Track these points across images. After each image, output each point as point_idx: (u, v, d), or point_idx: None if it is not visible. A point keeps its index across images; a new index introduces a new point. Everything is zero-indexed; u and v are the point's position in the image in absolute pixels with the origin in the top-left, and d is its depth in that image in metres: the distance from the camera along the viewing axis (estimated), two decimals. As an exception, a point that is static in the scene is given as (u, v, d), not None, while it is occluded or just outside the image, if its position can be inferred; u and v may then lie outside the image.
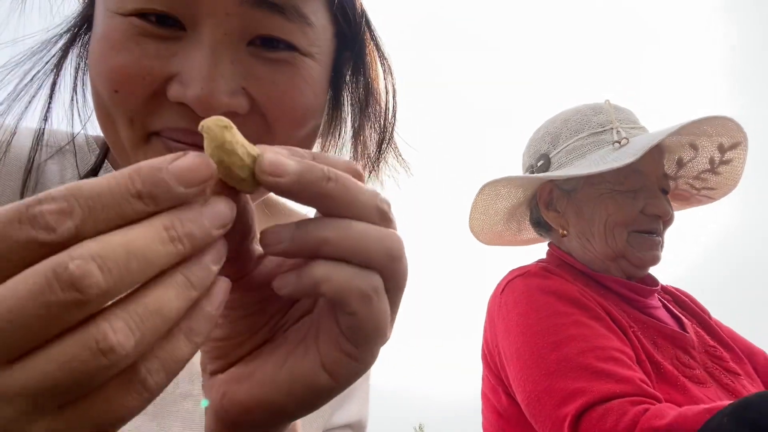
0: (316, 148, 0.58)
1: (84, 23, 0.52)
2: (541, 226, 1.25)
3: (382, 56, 0.56)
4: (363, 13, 0.52)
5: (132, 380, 0.23)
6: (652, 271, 1.17)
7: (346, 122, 0.58)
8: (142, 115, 0.43)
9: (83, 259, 0.21)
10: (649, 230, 1.10)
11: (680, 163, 1.23)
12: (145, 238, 0.22)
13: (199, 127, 0.27)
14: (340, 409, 0.62)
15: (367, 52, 0.54)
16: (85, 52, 0.52)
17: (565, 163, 1.13)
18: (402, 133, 0.59)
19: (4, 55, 0.50)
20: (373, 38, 0.54)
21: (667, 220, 1.12)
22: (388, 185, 0.60)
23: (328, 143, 0.59)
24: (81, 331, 0.21)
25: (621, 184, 1.08)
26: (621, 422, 0.81)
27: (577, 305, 1.00)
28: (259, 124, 0.45)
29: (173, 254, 0.23)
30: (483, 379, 1.16)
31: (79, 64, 0.53)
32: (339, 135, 0.59)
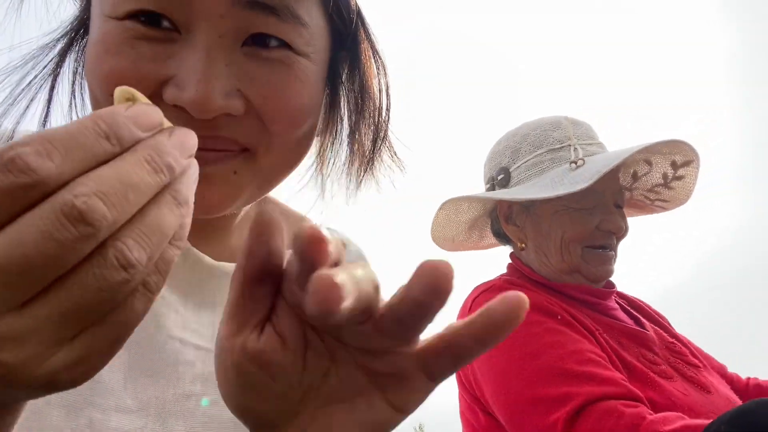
0: (314, 147, 0.58)
1: (80, 27, 0.52)
2: (501, 237, 1.28)
3: (376, 54, 0.55)
4: (358, 11, 0.52)
5: (140, 289, 0.26)
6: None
7: (342, 120, 0.58)
8: None
9: (87, 195, 0.23)
10: (602, 245, 1.13)
11: (635, 176, 1.27)
12: (135, 172, 0.25)
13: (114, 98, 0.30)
14: None
15: (361, 50, 0.54)
16: (82, 57, 0.53)
17: (524, 179, 1.16)
18: (398, 132, 0.60)
19: (1, 60, 0.51)
20: (368, 36, 0.54)
21: (620, 235, 1.16)
22: (383, 183, 0.61)
23: (326, 142, 0.59)
24: (100, 255, 0.23)
25: (577, 203, 1.11)
26: (620, 424, 0.81)
27: (546, 313, 1.02)
28: (256, 126, 0.45)
29: (159, 183, 0.26)
30: (459, 398, 1.18)
31: (76, 68, 0.53)
32: (336, 133, 0.59)
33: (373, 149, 0.58)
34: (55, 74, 0.51)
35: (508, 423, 0.96)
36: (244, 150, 0.47)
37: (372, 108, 0.57)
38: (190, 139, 0.29)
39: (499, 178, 1.22)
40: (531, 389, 0.92)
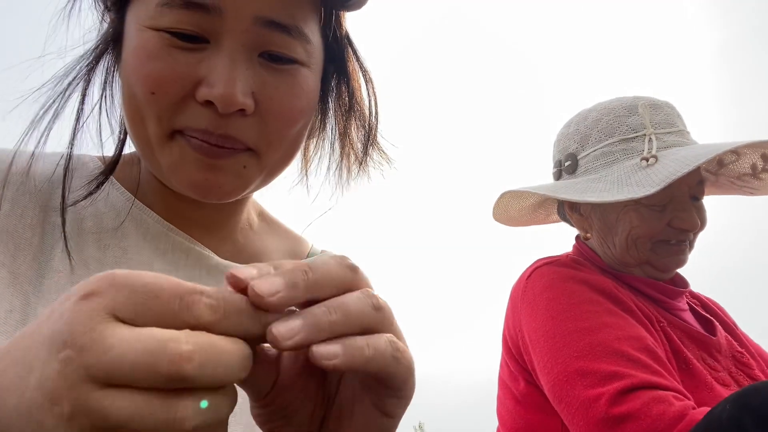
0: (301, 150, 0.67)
1: (114, 39, 0.58)
2: (568, 221, 1.24)
3: (363, 69, 0.65)
4: (347, 35, 0.63)
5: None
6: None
7: (331, 122, 0.66)
8: (171, 113, 0.52)
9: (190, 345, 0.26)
10: (675, 240, 1.08)
11: (721, 164, 1.17)
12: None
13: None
14: None
15: (349, 65, 0.63)
16: (113, 65, 0.59)
17: (591, 169, 1.10)
18: (387, 134, 0.68)
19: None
20: (355, 54, 0.64)
21: (696, 231, 1.09)
22: (375, 178, 0.69)
23: (317, 141, 0.68)
24: (170, 400, 0.26)
25: (648, 199, 1.04)
26: (668, 411, 0.80)
27: (608, 296, 1.00)
28: (257, 125, 0.54)
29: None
30: (501, 365, 1.18)
31: (106, 77, 0.59)
32: (324, 134, 0.67)
33: (365, 150, 0.66)
34: (87, 81, 0.58)
35: (551, 391, 0.95)
36: (249, 149, 0.55)
37: (362, 114, 0.65)
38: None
39: (566, 164, 1.16)
40: (581, 361, 0.91)
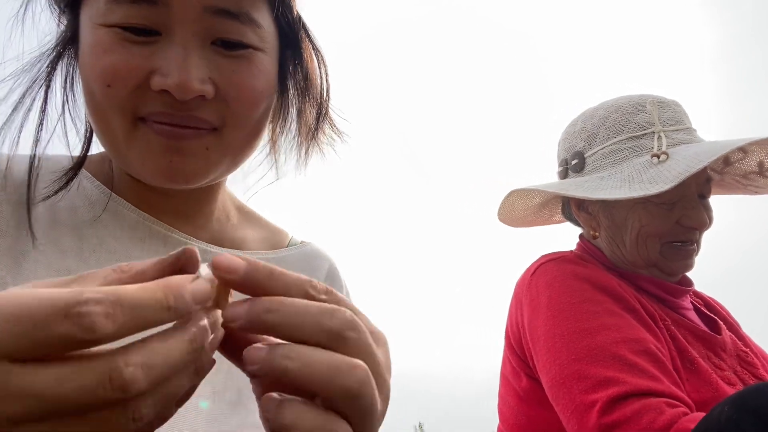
0: (268, 134, 0.70)
1: (70, 39, 0.59)
2: (573, 220, 1.23)
3: (316, 49, 0.67)
4: (299, 18, 0.64)
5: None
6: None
7: (293, 106, 0.68)
8: (131, 103, 0.53)
9: (135, 366, 0.26)
10: (683, 240, 1.07)
11: (727, 162, 1.17)
12: (179, 351, 0.29)
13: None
14: None
15: (303, 47, 0.65)
16: (73, 63, 0.61)
17: (599, 167, 1.09)
18: (338, 109, 0.71)
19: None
20: (309, 36, 0.66)
21: (703, 229, 1.09)
22: (329, 153, 0.72)
23: (278, 125, 0.70)
24: (120, 409, 0.26)
25: (657, 197, 1.04)
26: (658, 421, 0.80)
27: (610, 294, 0.99)
28: (222, 107, 0.56)
29: (192, 361, 0.30)
30: (503, 361, 1.18)
31: (66, 74, 0.61)
32: (286, 118, 0.69)
33: (317, 123, 0.69)
34: (48, 81, 0.59)
35: (549, 391, 0.96)
36: (214, 129, 0.56)
37: (314, 91, 0.67)
38: (219, 317, 0.33)
39: (572, 162, 1.16)
40: (578, 364, 0.90)
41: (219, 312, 0.33)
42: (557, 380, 0.93)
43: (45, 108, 0.59)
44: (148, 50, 0.52)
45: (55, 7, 0.60)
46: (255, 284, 0.33)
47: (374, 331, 0.37)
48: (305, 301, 0.33)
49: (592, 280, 1.01)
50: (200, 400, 0.56)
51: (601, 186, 1.04)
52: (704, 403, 0.90)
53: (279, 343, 0.32)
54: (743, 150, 1.13)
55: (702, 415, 0.78)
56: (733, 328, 1.17)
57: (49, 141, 0.60)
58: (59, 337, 0.25)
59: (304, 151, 0.70)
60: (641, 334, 0.93)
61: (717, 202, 1.18)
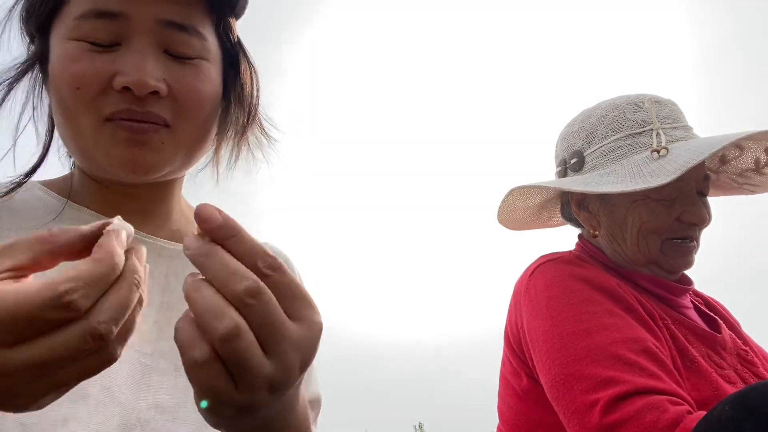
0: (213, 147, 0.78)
1: (40, 57, 0.67)
2: (572, 221, 1.23)
3: (251, 65, 0.76)
4: (238, 39, 0.75)
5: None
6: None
7: (232, 116, 0.75)
8: (97, 103, 0.61)
9: (106, 322, 0.35)
10: (683, 237, 1.07)
11: (723, 160, 1.17)
12: (129, 296, 0.38)
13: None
14: (305, 389, 0.74)
15: (241, 65, 0.74)
16: (38, 84, 0.69)
17: (599, 165, 1.09)
18: (268, 117, 0.80)
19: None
20: (245, 54, 0.76)
21: (703, 226, 1.09)
22: (257, 155, 0.80)
23: (222, 139, 0.77)
24: (102, 351, 0.36)
25: (657, 193, 1.04)
26: (662, 419, 0.79)
27: (609, 295, 0.99)
28: (173, 106, 0.64)
29: (138, 295, 0.39)
30: (503, 361, 1.17)
31: (29, 94, 0.69)
32: (227, 130, 0.76)
33: (246, 125, 0.76)
34: (10, 88, 0.68)
35: (550, 393, 0.95)
36: (167, 126, 0.64)
37: (246, 98, 0.75)
38: (142, 254, 0.41)
39: (571, 162, 1.16)
40: (578, 365, 0.90)
41: (123, 233, 0.40)
42: (557, 381, 0.93)
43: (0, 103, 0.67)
44: (110, 57, 0.61)
45: (26, 36, 0.69)
46: (220, 239, 0.40)
47: (302, 314, 0.42)
48: (225, 261, 0.39)
49: (591, 281, 1.01)
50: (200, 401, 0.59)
51: (601, 182, 1.05)
52: (704, 401, 0.90)
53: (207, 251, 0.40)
54: (739, 147, 1.13)
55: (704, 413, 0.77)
56: (733, 327, 1.17)
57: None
58: (52, 322, 0.34)
59: (235, 154, 0.79)
60: (640, 334, 0.93)
61: (718, 203, 1.19)
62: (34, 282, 0.35)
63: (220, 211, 0.40)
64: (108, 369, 0.58)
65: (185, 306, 0.65)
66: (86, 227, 0.40)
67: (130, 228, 0.42)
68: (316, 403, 0.78)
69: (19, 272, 0.37)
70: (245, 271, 0.39)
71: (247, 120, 0.76)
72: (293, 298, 0.41)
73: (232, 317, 0.37)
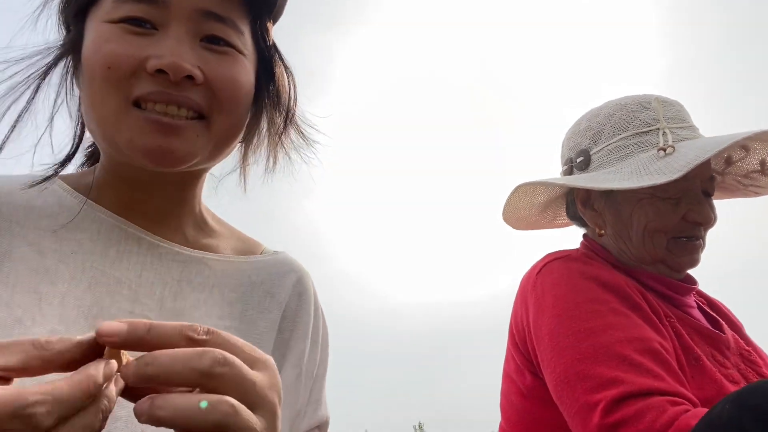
0: (240, 153, 0.78)
1: (71, 45, 0.66)
2: (577, 220, 1.24)
3: (287, 68, 0.76)
4: (274, 44, 0.74)
5: None
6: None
7: (264, 118, 0.75)
8: (128, 84, 0.60)
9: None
10: (689, 235, 1.08)
11: (729, 161, 1.18)
12: (95, 424, 0.36)
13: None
14: (314, 413, 0.74)
15: (276, 69, 0.74)
16: (71, 67, 0.68)
17: (605, 163, 1.10)
18: (306, 119, 0.79)
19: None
20: (281, 58, 0.75)
21: (708, 225, 1.10)
22: (295, 159, 0.79)
23: (249, 147, 0.77)
24: None
25: (663, 191, 1.05)
26: (659, 420, 0.80)
27: (616, 293, 0.99)
28: (209, 94, 0.63)
29: (102, 422, 0.37)
30: (507, 358, 1.17)
31: (65, 73, 0.68)
32: (256, 134, 0.76)
33: (284, 126, 0.76)
34: (44, 75, 0.67)
35: (554, 391, 0.96)
36: (202, 118, 0.63)
37: (283, 100, 0.75)
38: (119, 385, 0.39)
39: (578, 160, 1.17)
40: (582, 364, 0.90)
41: (114, 364, 0.38)
42: (561, 380, 0.93)
43: (33, 98, 0.66)
44: (145, 41, 0.60)
45: (63, 27, 0.68)
46: (137, 342, 0.38)
47: (255, 359, 0.42)
48: (176, 350, 0.38)
49: (598, 279, 1.01)
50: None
51: (607, 179, 1.05)
52: (708, 400, 0.89)
53: (156, 395, 0.38)
54: (745, 148, 1.14)
55: (704, 411, 0.78)
56: (736, 327, 1.18)
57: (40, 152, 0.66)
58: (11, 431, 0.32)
59: (272, 158, 0.78)
60: (646, 333, 0.93)
61: (720, 204, 1.20)
62: (9, 387, 0.34)
63: (119, 321, 0.38)
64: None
65: (197, 313, 0.67)
66: (83, 338, 0.38)
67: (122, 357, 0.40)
68: (324, 426, 0.77)
69: (6, 373, 0.36)
70: (196, 349, 0.39)
71: (285, 121, 0.76)
72: (240, 349, 0.42)
73: (221, 401, 0.38)
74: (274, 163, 0.78)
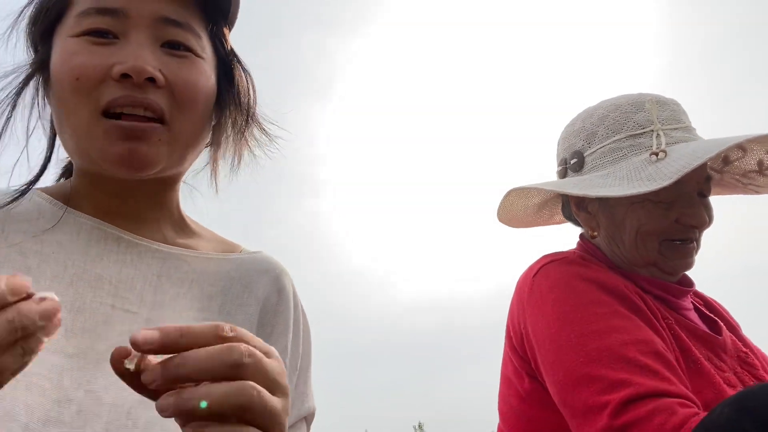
0: (207, 156, 0.81)
1: (42, 65, 0.69)
2: (573, 220, 1.22)
3: (245, 70, 0.79)
4: (232, 49, 0.78)
5: None
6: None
7: (228, 122, 0.77)
8: (96, 93, 0.63)
9: None
10: (682, 238, 1.06)
11: (726, 161, 1.16)
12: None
13: None
14: (302, 404, 0.76)
15: (236, 72, 0.77)
16: (42, 83, 0.71)
17: (598, 166, 1.08)
18: (266, 115, 0.82)
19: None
20: (239, 62, 0.79)
21: (703, 228, 1.08)
22: (257, 153, 0.81)
23: (218, 153, 0.80)
24: None
25: (656, 195, 1.03)
26: (669, 421, 0.79)
27: (616, 296, 0.98)
28: (170, 98, 0.66)
29: (13, 338, 0.38)
30: (504, 360, 1.16)
31: (36, 90, 0.71)
32: (222, 139, 0.78)
33: (245, 124, 0.78)
34: (18, 93, 0.70)
35: (558, 395, 0.95)
36: (163, 122, 0.66)
37: (244, 101, 0.78)
38: (52, 306, 0.40)
39: (572, 162, 1.15)
40: (589, 366, 0.89)
41: (49, 303, 0.40)
42: (565, 382, 0.92)
43: (11, 115, 0.69)
44: (109, 50, 0.64)
45: (31, 48, 0.71)
46: (172, 345, 0.41)
47: (267, 350, 0.46)
48: (206, 348, 0.42)
49: (597, 281, 1.01)
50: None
51: (599, 184, 1.04)
52: (706, 403, 0.88)
53: (183, 389, 0.41)
54: (742, 148, 1.12)
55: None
56: (734, 329, 1.17)
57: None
58: None
59: (237, 156, 0.80)
60: (649, 336, 0.93)
61: (720, 203, 1.18)
62: None
63: (147, 329, 0.41)
64: (95, 371, 0.60)
65: (177, 304, 0.69)
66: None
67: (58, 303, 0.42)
68: (310, 417, 0.79)
69: None
70: (225, 345, 0.42)
71: (247, 119, 0.78)
72: (256, 342, 0.46)
73: (245, 386, 0.42)
74: (239, 161, 0.81)
